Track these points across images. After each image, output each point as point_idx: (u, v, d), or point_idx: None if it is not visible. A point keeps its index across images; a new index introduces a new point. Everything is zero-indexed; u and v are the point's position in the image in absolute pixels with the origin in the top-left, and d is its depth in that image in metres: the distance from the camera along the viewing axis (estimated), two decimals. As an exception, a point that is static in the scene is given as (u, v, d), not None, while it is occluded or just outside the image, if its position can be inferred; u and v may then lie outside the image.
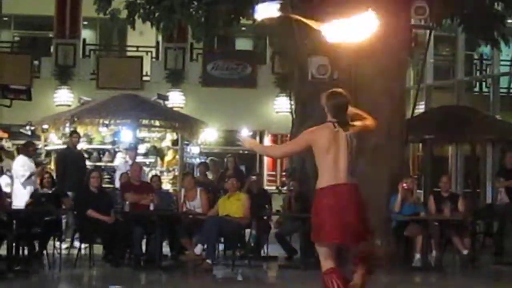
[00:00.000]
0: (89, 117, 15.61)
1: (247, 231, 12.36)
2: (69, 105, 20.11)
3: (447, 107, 17.03)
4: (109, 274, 11.11)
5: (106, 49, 24.09)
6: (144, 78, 21.53)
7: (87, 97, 17.83)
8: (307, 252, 11.40)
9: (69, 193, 12.84)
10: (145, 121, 15.89)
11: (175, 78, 21.43)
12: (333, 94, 6.34)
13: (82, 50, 22.09)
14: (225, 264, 12.04)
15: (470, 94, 21.12)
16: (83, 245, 11.72)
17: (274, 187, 18.97)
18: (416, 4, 12.13)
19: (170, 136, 17.49)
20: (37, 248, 11.25)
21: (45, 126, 16.41)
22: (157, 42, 22.03)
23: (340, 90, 6.40)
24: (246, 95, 21.16)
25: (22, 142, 18.23)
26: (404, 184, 12.07)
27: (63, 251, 11.64)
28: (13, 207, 12.33)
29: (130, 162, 14.18)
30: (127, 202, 12.01)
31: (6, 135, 17.60)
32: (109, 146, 17.24)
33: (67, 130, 15.87)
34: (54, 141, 16.86)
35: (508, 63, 21.71)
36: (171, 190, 15.73)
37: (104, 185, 13.38)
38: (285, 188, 15.75)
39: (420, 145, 18.60)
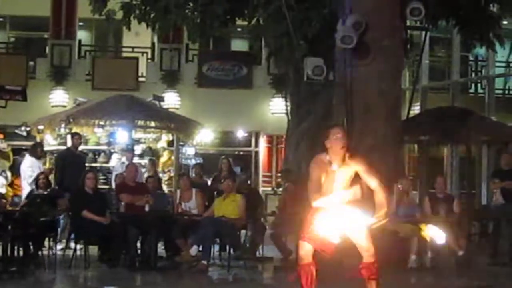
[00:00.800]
0: (85, 118, 15.57)
1: (243, 232, 12.35)
2: (64, 106, 20.09)
3: (442, 108, 17.00)
4: (104, 275, 11.08)
5: (101, 50, 24.05)
6: (140, 79, 21.54)
7: (82, 98, 17.79)
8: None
9: (66, 194, 12.82)
10: (140, 122, 15.85)
11: (171, 79, 21.42)
12: None
13: (77, 51, 22.09)
14: (221, 265, 12.04)
15: (465, 95, 21.16)
16: (78, 246, 11.70)
17: (269, 188, 18.98)
18: (411, 5, 12.12)
19: (165, 137, 17.46)
20: (32, 249, 11.23)
21: (41, 127, 16.36)
22: (153, 43, 22.02)
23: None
24: (242, 96, 21.16)
25: (17, 143, 18.27)
26: (399, 186, 12.07)
27: (59, 252, 11.62)
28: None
29: (126, 163, 14.18)
30: (122, 203, 12.02)
31: (1, 136, 17.54)
32: (104, 147, 17.25)
33: (63, 131, 15.87)
34: (50, 142, 16.84)
35: (503, 64, 21.79)
36: (166, 191, 15.70)
37: (99, 186, 13.37)
38: (280, 189, 15.75)
39: (416, 146, 18.61)
